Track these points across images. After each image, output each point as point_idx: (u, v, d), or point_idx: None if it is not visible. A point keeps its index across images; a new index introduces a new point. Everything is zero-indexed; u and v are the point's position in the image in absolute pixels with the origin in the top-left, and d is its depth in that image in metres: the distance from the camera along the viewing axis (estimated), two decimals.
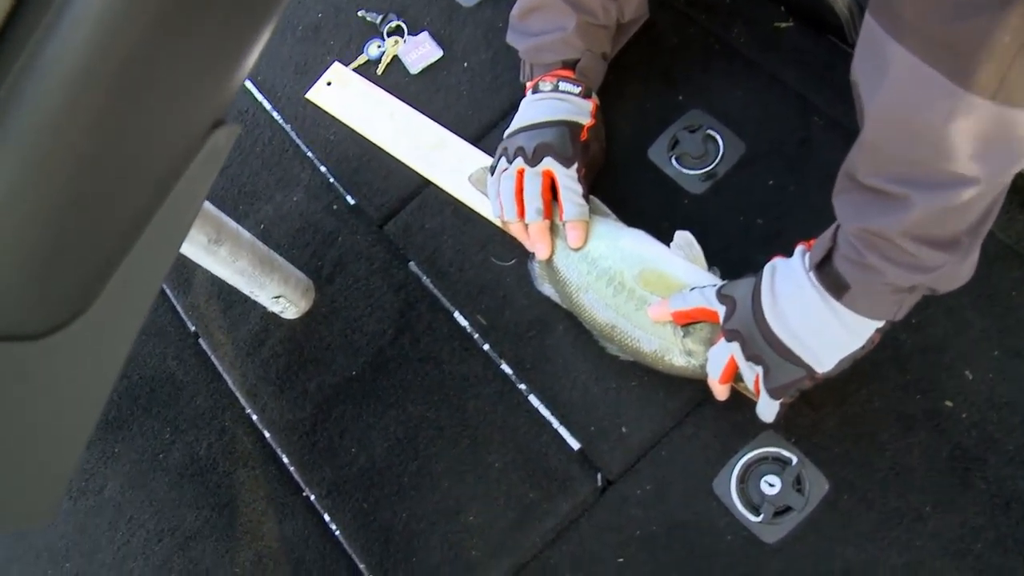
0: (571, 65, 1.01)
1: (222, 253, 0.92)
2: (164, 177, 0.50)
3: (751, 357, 0.81)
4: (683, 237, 0.93)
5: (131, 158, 0.47)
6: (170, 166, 0.50)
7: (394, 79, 1.19)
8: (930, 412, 0.87)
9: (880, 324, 0.76)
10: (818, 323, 0.76)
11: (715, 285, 0.87)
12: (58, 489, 0.55)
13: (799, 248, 0.80)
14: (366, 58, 1.21)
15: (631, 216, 0.99)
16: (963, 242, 0.68)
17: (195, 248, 0.89)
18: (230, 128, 0.53)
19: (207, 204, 0.90)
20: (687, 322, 0.88)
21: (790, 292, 0.77)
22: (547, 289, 1.00)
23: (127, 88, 0.44)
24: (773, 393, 0.81)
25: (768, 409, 0.84)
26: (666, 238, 0.95)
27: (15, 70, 0.42)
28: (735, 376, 0.86)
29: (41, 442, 0.52)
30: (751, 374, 0.83)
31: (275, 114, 1.22)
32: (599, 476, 0.93)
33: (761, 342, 0.79)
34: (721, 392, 0.88)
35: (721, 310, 0.83)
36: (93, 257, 0.49)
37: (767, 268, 0.81)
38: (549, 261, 0.98)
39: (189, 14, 0.44)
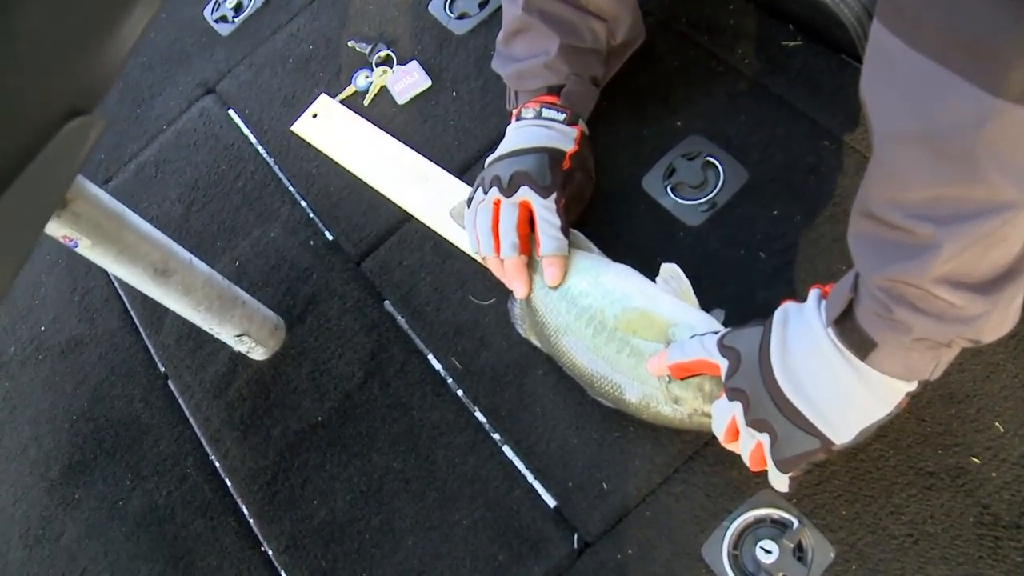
0: (556, 91, 0.95)
1: (171, 285, 0.86)
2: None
3: (754, 423, 0.71)
4: (669, 270, 0.85)
5: None
6: (8, 154, 0.44)
7: (381, 110, 1.15)
8: (953, 470, 0.77)
9: (912, 387, 0.66)
10: (838, 386, 0.66)
11: (716, 332, 0.78)
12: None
13: (814, 293, 0.70)
14: (354, 89, 1.17)
15: (623, 251, 0.92)
16: (1006, 281, 0.58)
17: (139, 279, 0.84)
18: (89, 119, 0.47)
19: (154, 230, 0.85)
20: (686, 375, 0.79)
21: (805, 350, 0.68)
22: (527, 331, 0.92)
23: None
24: (781, 466, 0.72)
25: (779, 480, 0.74)
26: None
27: None
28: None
29: None
30: (751, 442, 0.74)
31: (260, 148, 1.18)
32: (576, 537, 0.84)
33: (769, 405, 0.69)
34: (732, 448, 0.78)
35: (723, 364, 0.74)
36: None
37: (777, 316, 0.71)
38: (528, 300, 0.90)
39: None
